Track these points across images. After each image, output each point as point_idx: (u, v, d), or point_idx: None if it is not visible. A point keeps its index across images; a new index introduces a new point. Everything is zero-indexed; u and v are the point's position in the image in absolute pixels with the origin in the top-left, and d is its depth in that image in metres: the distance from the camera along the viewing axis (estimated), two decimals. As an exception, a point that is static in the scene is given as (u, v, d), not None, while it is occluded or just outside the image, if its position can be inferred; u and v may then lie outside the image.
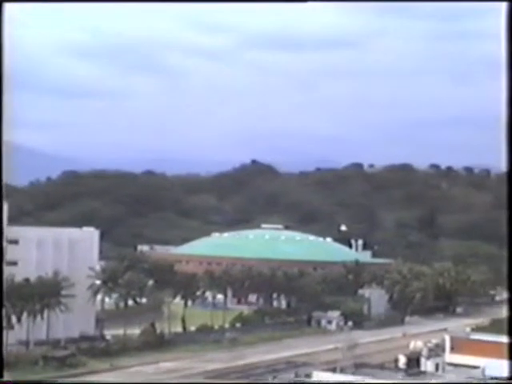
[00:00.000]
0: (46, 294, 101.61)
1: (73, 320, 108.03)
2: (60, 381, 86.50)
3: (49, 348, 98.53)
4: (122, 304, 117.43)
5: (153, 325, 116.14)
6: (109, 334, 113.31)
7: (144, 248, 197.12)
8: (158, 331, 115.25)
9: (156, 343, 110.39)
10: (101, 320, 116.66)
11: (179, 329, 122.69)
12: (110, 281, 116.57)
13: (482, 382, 72.85)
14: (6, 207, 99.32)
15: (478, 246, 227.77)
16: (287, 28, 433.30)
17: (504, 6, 39.07)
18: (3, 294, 55.83)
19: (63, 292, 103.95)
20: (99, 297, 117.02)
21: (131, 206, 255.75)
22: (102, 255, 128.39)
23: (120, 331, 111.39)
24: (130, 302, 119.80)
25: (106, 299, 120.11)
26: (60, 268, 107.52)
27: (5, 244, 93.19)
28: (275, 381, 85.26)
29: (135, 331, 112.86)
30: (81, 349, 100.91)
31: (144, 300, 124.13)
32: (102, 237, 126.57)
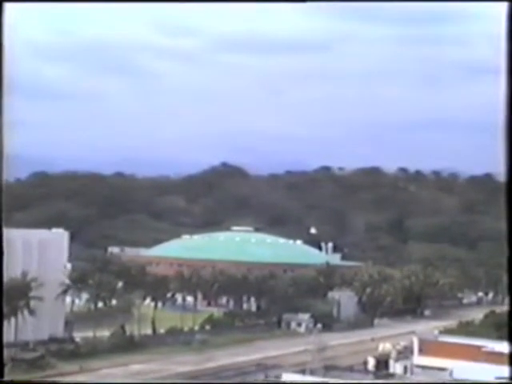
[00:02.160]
0: (14, 296, 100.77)
1: (42, 322, 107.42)
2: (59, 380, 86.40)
3: (17, 350, 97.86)
4: (91, 306, 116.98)
5: (122, 327, 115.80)
6: (78, 336, 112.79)
7: (114, 250, 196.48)
8: (128, 333, 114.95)
9: (126, 345, 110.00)
10: (70, 322, 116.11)
11: (149, 331, 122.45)
12: (79, 282, 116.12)
13: (483, 381, 73.31)
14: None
15: (446, 249, 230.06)
16: (256, 31, 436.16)
17: (505, 6, 39.59)
18: (3, 294, 55.04)
19: (32, 294, 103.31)
20: (69, 299, 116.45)
21: (101, 208, 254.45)
22: (72, 257, 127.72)
23: (89, 333, 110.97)
24: (100, 304, 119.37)
25: (76, 301, 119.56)
26: (29, 269, 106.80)
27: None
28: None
29: (105, 333, 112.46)
30: (50, 351, 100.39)
31: (114, 302, 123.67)
32: (72, 238, 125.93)
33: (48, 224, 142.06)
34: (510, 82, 40.44)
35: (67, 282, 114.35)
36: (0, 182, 45.39)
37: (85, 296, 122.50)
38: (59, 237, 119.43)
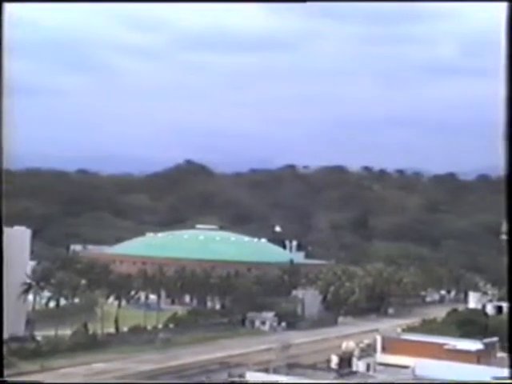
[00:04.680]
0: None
1: (3, 321, 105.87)
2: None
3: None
4: (54, 304, 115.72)
5: (85, 325, 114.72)
6: (40, 334, 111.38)
7: (77, 248, 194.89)
8: (91, 332, 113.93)
9: (88, 344, 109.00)
10: (31, 321, 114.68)
11: (112, 329, 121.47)
12: (41, 280, 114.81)
13: (482, 381, 73.55)
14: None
15: (410, 247, 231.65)
16: (222, 28, 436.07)
17: (504, 6, 39.96)
18: (2, 293, 54.09)
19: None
20: (30, 297, 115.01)
21: (64, 205, 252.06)
22: (34, 255, 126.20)
23: (51, 332, 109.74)
24: (63, 303, 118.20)
25: (38, 300, 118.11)
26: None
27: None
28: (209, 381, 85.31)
29: (67, 332, 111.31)
30: (10, 350, 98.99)
31: (77, 300, 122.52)
32: (34, 236, 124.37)
33: (10, 221, 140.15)
34: (510, 84, 40.81)
35: (29, 280, 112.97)
36: (0, 179, 44.26)
37: (47, 294, 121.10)
38: (21, 235, 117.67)
